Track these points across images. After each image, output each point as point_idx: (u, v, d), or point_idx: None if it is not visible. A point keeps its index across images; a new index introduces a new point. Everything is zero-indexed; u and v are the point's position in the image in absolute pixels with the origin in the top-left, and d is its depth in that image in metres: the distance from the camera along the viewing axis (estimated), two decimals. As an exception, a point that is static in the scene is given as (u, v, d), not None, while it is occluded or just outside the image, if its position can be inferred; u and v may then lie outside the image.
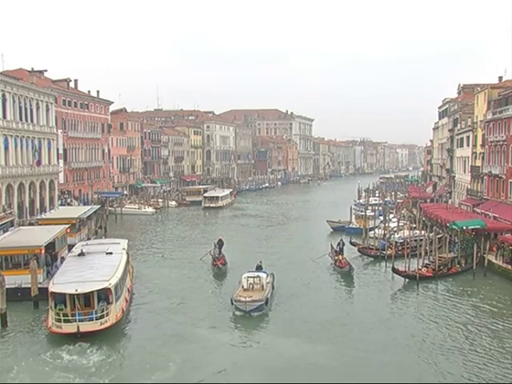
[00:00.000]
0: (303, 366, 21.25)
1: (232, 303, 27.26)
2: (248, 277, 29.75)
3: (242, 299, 27.10)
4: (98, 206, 56.69)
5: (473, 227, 39.18)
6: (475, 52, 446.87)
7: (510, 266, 34.50)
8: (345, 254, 38.10)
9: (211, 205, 79.40)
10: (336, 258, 37.43)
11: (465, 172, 61.66)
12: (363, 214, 53.22)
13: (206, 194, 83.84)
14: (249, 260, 39.06)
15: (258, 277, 29.64)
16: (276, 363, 21.44)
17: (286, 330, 25.29)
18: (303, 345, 23.34)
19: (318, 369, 20.95)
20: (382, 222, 50.42)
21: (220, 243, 39.41)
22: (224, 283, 34.17)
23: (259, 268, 32.31)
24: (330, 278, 35.60)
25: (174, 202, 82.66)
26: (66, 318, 23.74)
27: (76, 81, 75.24)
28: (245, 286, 29.33)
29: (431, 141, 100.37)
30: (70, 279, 25.67)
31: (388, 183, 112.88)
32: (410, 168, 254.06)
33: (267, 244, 48.35)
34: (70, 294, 24.36)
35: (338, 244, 39.02)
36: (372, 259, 40.88)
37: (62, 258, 33.12)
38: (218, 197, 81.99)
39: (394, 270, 34.54)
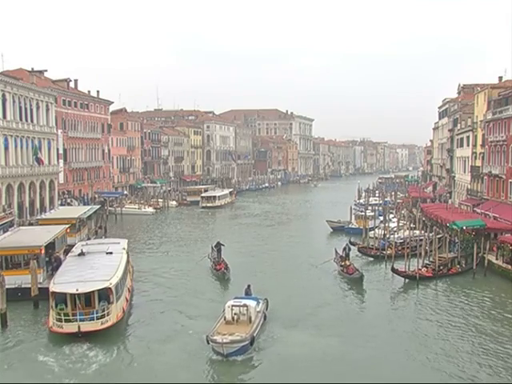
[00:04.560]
0: None
1: (208, 342, 21.82)
2: (232, 306, 24.25)
3: (219, 340, 21.44)
4: (98, 206, 56.66)
5: (473, 227, 39.19)
6: (476, 52, 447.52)
7: (510, 266, 34.48)
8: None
9: (208, 204, 79.82)
10: (342, 263, 35.87)
11: (465, 172, 61.69)
12: (363, 214, 53.26)
13: (203, 194, 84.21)
14: (249, 263, 39.15)
15: (245, 306, 24.19)
16: None
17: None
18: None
19: None
20: (381, 222, 50.38)
21: (218, 246, 38.42)
22: (225, 287, 33.60)
23: (248, 293, 27.52)
24: (338, 288, 33.01)
25: (174, 202, 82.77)
26: (66, 317, 23.77)
27: (76, 81, 75.36)
28: (227, 318, 23.98)
29: (431, 141, 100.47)
30: (70, 279, 25.69)
31: (387, 183, 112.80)
32: (410, 168, 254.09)
33: (267, 246, 48.08)
34: (70, 294, 24.38)
35: (344, 249, 37.55)
36: (372, 259, 40.85)
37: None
38: (215, 196, 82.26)
39: (394, 271, 34.48)
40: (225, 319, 24.09)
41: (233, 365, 21.13)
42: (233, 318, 23.95)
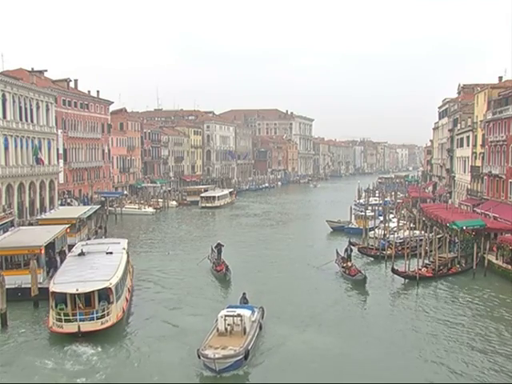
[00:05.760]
0: None
1: (199, 357, 20.32)
2: (226, 316, 22.63)
3: (211, 355, 19.87)
4: (98, 206, 56.66)
5: (473, 227, 39.18)
6: (476, 52, 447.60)
7: (510, 266, 34.48)
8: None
9: (208, 204, 79.89)
10: (344, 265, 35.36)
11: (465, 172, 61.70)
12: (363, 214, 53.23)
13: (202, 194, 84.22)
14: (249, 264, 39.01)
15: (240, 316, 22.56)
16: None
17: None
18: None
19: None
20: (381, 222, 50.38)
21: (218, 247, 38.09)
22: (226, 288, 33.30)
23: (244, 301, 26.18)
24: (340, 290, 32.38)
25: (174, 202, 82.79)
26: (66, 317, 23.77)
27: (76, 81, 75.37)
28: (220, 329, 22.43)
29: (431, 141, 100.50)
30: (70, 279, 25.68)
31: (387, 183, 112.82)
32: (410, 168, 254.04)
33: (267, 246, 47.90)
34: (70, 294, 24.38)
35: (346, 250, 37.19)
36: (372, 259, 40.82)
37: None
38: (214, 197, 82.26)
39: (394, 271, 34.45)
40: (217, 330, 22.53)
41: (226, 381, 19.76)
42: (226, 330, 22.38)
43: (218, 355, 19.91)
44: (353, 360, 21.77)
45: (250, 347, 21.16)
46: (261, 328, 24.11)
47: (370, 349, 22.77)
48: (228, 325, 22.42)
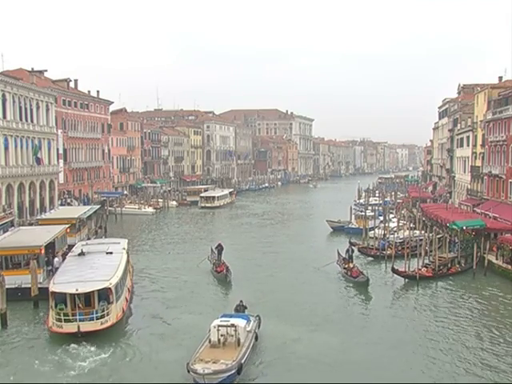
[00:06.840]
0: None
1: (188, 371, 18.95)
2: (219, 326, 21.16)
3: (200, 370, 18.47)
4: (98, 206, 56.64)
5: (473, 227, 39.17)
6: (476, 52, 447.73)
7: (510, 266, 34.49)
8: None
9: (207, 205, 79.88)
10: (346, 266, 34.91)
11: (465, 172, 61.71)
12: (363, 213, 53.25)
13: (202, 194, 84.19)
14: (249, 265, 38.96)
15: (233, 326, 21.02)
16: None
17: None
18: None
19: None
20: (381, 222, 50.37)
21: (219, 248, 37.56)
22: (227, 289, 32.99)
23: (240, 310, 24.78)
24: (342, 293, 31.92)
25: (174, 202, 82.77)
26: (66, 317, 23.76)
27: (76, 81, 75.39)
28: (213, 340, 20.96)
29: (431, 141, 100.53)
30: (70, 279, 25.69)
31: (387, 183, 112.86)
32: (410, 168, 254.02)
33: (267, 246, 47.65)
34: (70, 294, 24.38)
35: (347, 251, 36.35)
36: (372, 259, 40.81)
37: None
38: (214, 197, 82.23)
39: (394, 271, 34.42)
40: (209, 342, 21.01)
41: None
42: (219, 341, 20.83)
43: (208, 370, 18.53)
44: (353, 366, 21.37)
45: (243, 361, 19.74)
46: (257, 339, 22.59)
47: (372, 351, 22.64)
48: (221, 335, 20.93)
